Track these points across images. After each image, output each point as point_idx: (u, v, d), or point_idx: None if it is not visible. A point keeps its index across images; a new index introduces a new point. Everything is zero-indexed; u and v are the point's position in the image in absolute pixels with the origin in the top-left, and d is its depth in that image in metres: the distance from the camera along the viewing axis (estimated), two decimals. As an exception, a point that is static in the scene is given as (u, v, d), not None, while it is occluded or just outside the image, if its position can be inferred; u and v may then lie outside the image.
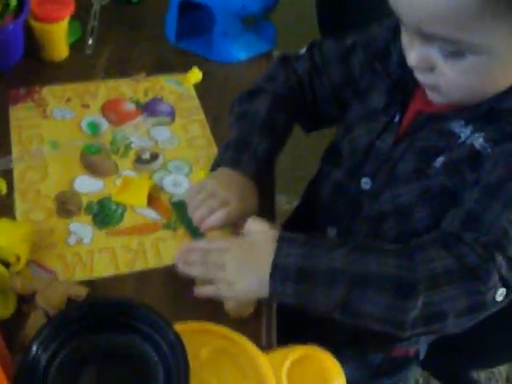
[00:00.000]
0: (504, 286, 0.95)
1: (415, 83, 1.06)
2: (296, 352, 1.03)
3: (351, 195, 1.19)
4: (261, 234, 1.04)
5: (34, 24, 1.45)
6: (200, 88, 1.50)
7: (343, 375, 1.02)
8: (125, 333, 0.97)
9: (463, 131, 1.02)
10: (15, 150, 1.30)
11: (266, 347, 1.05)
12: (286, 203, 2.40)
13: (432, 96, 1.03)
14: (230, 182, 1.15)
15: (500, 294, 0.95)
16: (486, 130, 1.00)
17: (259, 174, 1.19)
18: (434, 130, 1.06)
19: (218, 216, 1.11)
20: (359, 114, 1.21)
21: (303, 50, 1.31)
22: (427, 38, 0.92)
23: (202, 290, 1.06)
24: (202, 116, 1.43)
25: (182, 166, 1.32)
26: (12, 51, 1.46)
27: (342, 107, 1.26)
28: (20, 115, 1.37)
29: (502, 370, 2.11)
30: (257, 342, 1.04)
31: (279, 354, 1.03)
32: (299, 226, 1.26)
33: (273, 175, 1.30)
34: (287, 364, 1.01)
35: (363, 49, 1.22)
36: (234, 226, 1.12)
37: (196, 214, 1.13)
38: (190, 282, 1.08)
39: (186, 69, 1.52)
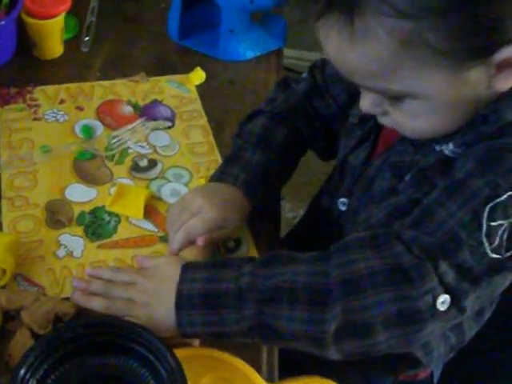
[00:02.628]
0: (448, 293, 0.91)
1: None
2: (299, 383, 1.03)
3: (334, 218, 1.21)
4: (165, 260, 1.06)
5: (28, 20, 1.45)
6: (203, 90, 1.50)
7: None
8: (121, 356, 0.97)
9: (439, 142, 1.01)
10: (4, 154, 1.30)
11: (267, 379, 1.04)
12: (289, 211, 2.41)
13: (400, 134, 1.05)
14: (210, 192, 1.17)
15: (442, 301, 0.91)
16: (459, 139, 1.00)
17: (252, 185, 1.18)
18: (410, 146, 1.06)
19: (179, 234, 1.12)
20: (343, 130, 1.23)
21: (305, 74, 1.33)
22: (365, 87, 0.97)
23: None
24: (204, 120, 1.43)
25: (181, 175, 1.32)
26: (4, 49, 1.46)
27: None
28: (10, 117, 1.38)
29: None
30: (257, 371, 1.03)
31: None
32: (303, 239, 1.29)
33: (278, 192, 1.31)
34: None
35: None
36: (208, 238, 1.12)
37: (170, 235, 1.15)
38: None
39: (188, 69, 1.52)
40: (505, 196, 0.91)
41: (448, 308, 0.91)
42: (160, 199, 1.27)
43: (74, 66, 1.52)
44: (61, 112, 1.40)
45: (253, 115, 1.30)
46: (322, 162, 1.35)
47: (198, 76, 1.51)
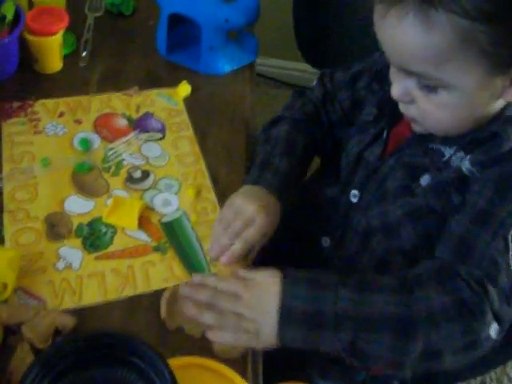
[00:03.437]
0: (496, 320, 0.91)
1: None
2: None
3: (343, 208, 1.13)
4: (264, 273, 0.96)
5: (29, 38, 1.32)
6: (189, 102, 1.37)
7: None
8: (120, 368, 0.87)
9: (447, 149, 0.99)
10: (6, 168, 1.16)
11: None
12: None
13: (413, 126, 1.02)
14: (255, 196, 1.06)
15: (494, 330, 0.91)
16: (470, 152, 0.97)
17: (282, 192, 1.09)
18: (420, 148, 1.02)
19: (238, 246, 1.01)
20: (355, 128, 1.17)
21: (315, 82, 1.27)
22: (407, 72, 0.92)
23: (218, 338, 0.94)
24: (190, 131, 1.30)
25: (171, 184, 1.19)
26: (6, 64, 1.33)
27: None
28: (12, 130, 1.23)
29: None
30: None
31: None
32: (291, 235, 1.21)
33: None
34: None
35: (368, 73, 1.18)
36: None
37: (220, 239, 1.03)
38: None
39: (176, 82, 1.39)
40: None
41: (498, 334, 0.92)
42: (152, 209, 1.14)
43: (73, 80, 1.37)
44: (60, 125, 1.26)
45: (275, 121, 1.23)
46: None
47: (185, 89, 1.38)
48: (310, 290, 0.92)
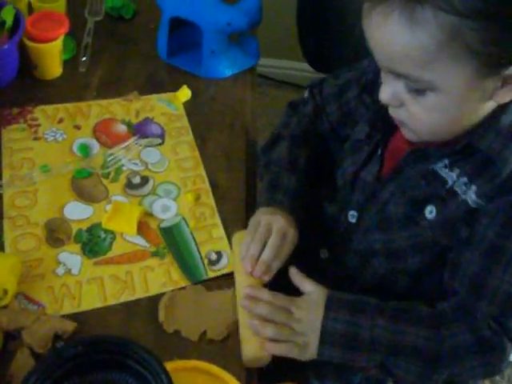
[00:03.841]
0: None
1: None
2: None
3: (342, 227, 1.15)
4: (313, 294, 1.03)
5: (29, 44, 1.34)
6: (189, 107, 1.39)
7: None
8: (119, 372, 0.89)
9: (450, 175, 0.99)
10: (6, 174, 1.19)
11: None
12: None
13: (404, 132, 1.01)
14: (274, 212, 1.11)
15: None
16: (473, 180, 0.96)
17: (295, 209, 1.14)
18: (419, 173, 1.02)
19: (277, 263, 1.07)
20: (348, 146, 1.17)
21: (306, 94, 1.29)
22: (395, 75, 0.92)
23: (276, 350, 1.00)
24: (190, 136, 1.32)
25: (170, 190, 1.21)
26: (6, 71, 1.34)
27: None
28: (12, 137, 1.25)
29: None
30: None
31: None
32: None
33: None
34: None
35: (356, 83, 1.18)
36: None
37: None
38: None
39: (176, 86, 1.41)
40: None
41: None
42: (151, 215, 1.16)
43: (73, 86, 1.39)
44: (60, 131, 1.28)
45: (273, 141, 1.25)
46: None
47: (185, 94, 1.40)
48: (350, 316, 0.99)
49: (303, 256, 1.17)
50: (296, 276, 1.05)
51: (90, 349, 0.88)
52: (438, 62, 0.86)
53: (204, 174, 1.25)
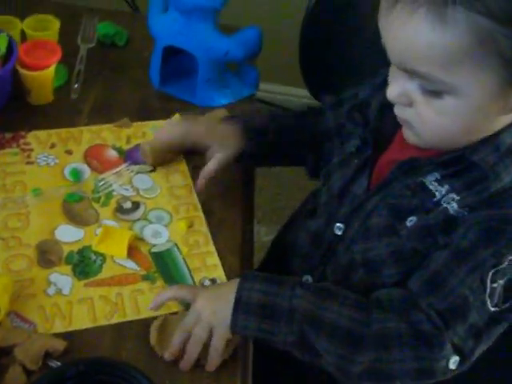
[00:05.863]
0: (457, 354, 0.98)
1: (392, 132, 1.09)
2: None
3: (326, 242, 1.18)
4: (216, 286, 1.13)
5: (22, 71, 1.43)
6: (182, 135, 1.47)
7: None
8: None
9: (438, 189, 1.01)
10: (-1, 197, 1.28)
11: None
12: (265, 235, 2.38)
13: (407, 134, 1.03)
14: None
15: (453, 362, 0.98)
16: (460, 193, 0.99)
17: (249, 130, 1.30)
18: (407, 184, 1.04)
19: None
20: (337, 161, 1.22)
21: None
22: (410, 73, 0.93)
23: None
24: (183, 164, 1.41)
25: (162, 216, 1.30)
26: (0, 96, 1.44)
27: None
28: (5, 161, 1.35)
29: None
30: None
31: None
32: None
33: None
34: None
35: (347, 102, 1.25)
36: None
37: None
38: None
39: (168, 114, 1.50)
40: (506, 262, 0.96)
41: (458, 366, 0.99)
42: (142, 240, 1.25)
43: (65, 112, 1.49)
44: (51, 156, 1.37)
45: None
46: (297, 188, 1.36)
47: (177, 122, 1.48)
48: (267, 286, 1.02)
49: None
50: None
51: (90, 369, 0.96)
52: (463, 65, 0.86)
53: (197, 201, 1.32)
